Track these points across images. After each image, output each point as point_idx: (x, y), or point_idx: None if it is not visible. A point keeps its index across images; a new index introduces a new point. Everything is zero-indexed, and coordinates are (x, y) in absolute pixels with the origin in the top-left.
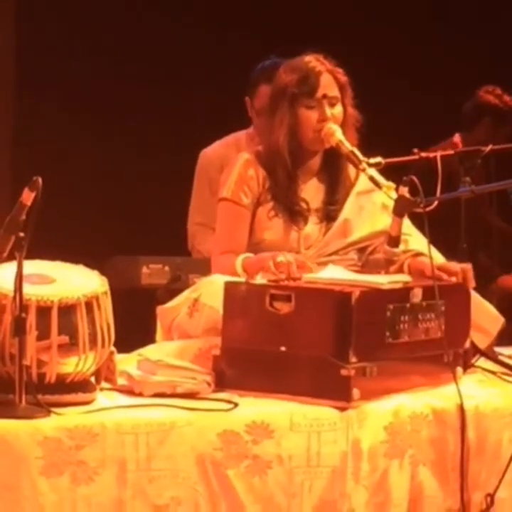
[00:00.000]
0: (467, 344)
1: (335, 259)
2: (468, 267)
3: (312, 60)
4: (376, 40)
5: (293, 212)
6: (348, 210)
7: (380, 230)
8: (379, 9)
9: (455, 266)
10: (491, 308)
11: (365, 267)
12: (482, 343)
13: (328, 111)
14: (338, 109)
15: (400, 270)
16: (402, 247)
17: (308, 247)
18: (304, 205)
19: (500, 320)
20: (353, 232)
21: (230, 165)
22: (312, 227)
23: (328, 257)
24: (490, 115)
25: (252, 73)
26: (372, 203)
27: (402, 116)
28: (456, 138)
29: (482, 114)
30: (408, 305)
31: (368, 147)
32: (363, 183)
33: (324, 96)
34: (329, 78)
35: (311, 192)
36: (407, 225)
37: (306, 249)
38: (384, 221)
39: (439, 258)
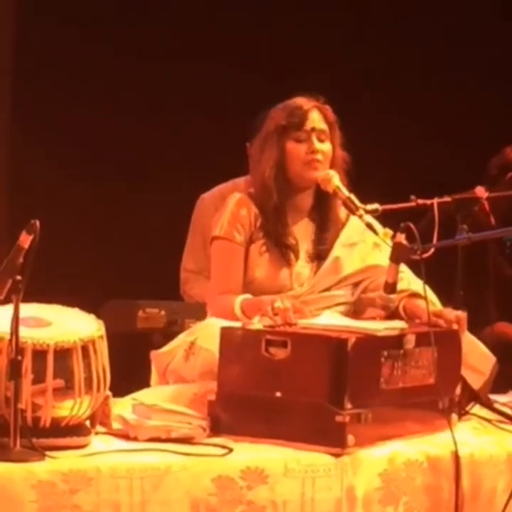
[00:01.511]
0: (457, 390)
1: (327, 295)
2: (463, 315)
3: (300, 98)
4: (387, 87)
5: (284, 248)
6: (338, 249)
7: (372, 264)
8: (389, 58)
9: (450, 313)
10: (482, 348)
11: (358, 306)
12: (475, 383)
13: (317, 144)
14: (327, 146)
15: (396, 310)
16: (399, 286)
17: (300, 284)
18: (293, 241)
19: (491, 359)
20: (344, 268)
21: (223, 205)
22: (303, 265)
23: (320, 294)
24: None
25: (255, 119)
26: (363, 242)
27: (418, 166)
28: (478, 190)
29: (505, 171)
30: (402, 351)
31: (384, 195)
32: (354, 223)
33: (313, 129)
34: (318, 114)
35: (302, 231)
36: (403, 269)
37: (298, 286)
38: (375, 257)
39: (435, 303)
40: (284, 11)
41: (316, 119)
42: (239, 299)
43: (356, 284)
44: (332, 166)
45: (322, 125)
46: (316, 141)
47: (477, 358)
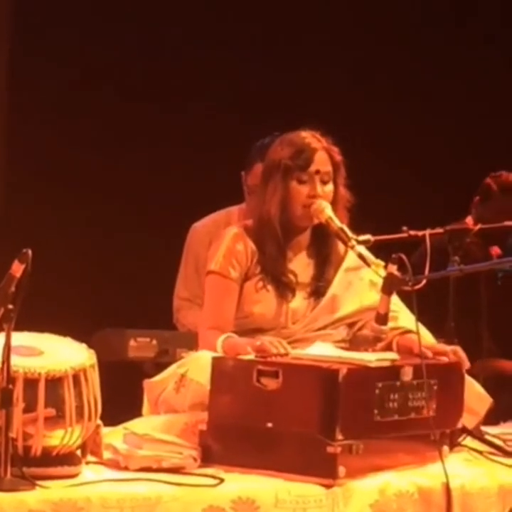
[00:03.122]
0: (459, 424)
1: (322, 334)
2: (457, 349)
3: (308, 136)
4: (379, 122)
5: (281, 284)
6: (336, 286)
7: (368, 306)
8: (380, 91)
9: (443, 347)
10: (479, 388)
11: (353, 343)
12: (470, 423)
13: (320, 187)
14: (330, 187)
15: (389, 347)
16: (391, 324)
17: (295, 321)
18: (292, 277)
19: (488, 400)
20: (341, 307)
21: (219, 238)
22: (300, 301)
23: (315, 332)
24: (488, 201)
25: (251, 148)
26: (360, 280)
27: (406, 198)
28: (469, 220)
29: (483, 199)
30: (398, 383)
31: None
32: (351, 259)
33: (317, 171)
34: (324, 155)
35: (300, 267)
36: (395, 302)
37: (292, 324)
38: (372, 297)
39: (427, 336)
40: (276, 44)
41: (321, 161)
42: (221, 338)
43: (351, 325)
44: (334, 205)
45: (327, 167)
46: (319, 183)
47: (473, 399)
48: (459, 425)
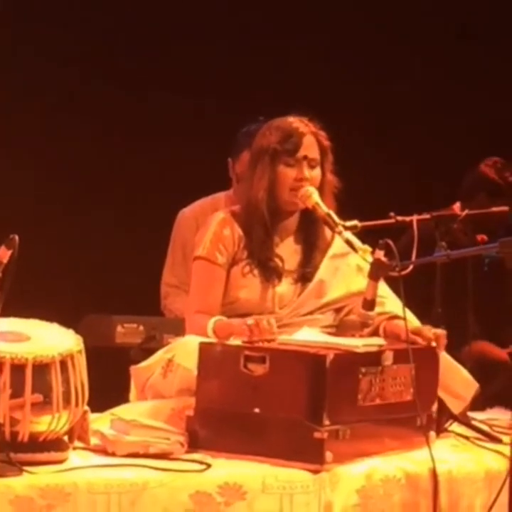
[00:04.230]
0: (434, 407)
1: (309, 319)
2: (442, 333)
3: (296, 121)
4: (365, 107)
5: (267, 269)
6: (323, 272)
7: (355, 291)
8: (369, 76)
9: (429, 331)
10: (465, 374)
11: (340, 328)
12: (456, 408)
13: (307, 171)
14: (317, 172)
15: (376, 332)
16: (378, 309)
17: (282, 306)
18: (278, 262)
19: (474, 385)
20: (328, 293)
21: (206, 224)
22: (287, 287)
23: (302, 317)
24: (487, 190)
25: (238, 135)
26: (347, 265)
27: (397, 182)
28: (456, 206)
29: (479, 187)
30: (380, 368)
31: (364, 212)
32: (338, 245)
33: (305, 157)
34: (312, 140)
35: (287, 252)
36: (382, 288)
37: (280, 309)
38: (359, 283)
39: (414, 322)
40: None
41: (309, 145)
42: (212, 320)
43: (338, 310)
44: (321, 191)
45: (314, 152)
46: (306, 167)
47: (460, 384)
48: (435, 408)
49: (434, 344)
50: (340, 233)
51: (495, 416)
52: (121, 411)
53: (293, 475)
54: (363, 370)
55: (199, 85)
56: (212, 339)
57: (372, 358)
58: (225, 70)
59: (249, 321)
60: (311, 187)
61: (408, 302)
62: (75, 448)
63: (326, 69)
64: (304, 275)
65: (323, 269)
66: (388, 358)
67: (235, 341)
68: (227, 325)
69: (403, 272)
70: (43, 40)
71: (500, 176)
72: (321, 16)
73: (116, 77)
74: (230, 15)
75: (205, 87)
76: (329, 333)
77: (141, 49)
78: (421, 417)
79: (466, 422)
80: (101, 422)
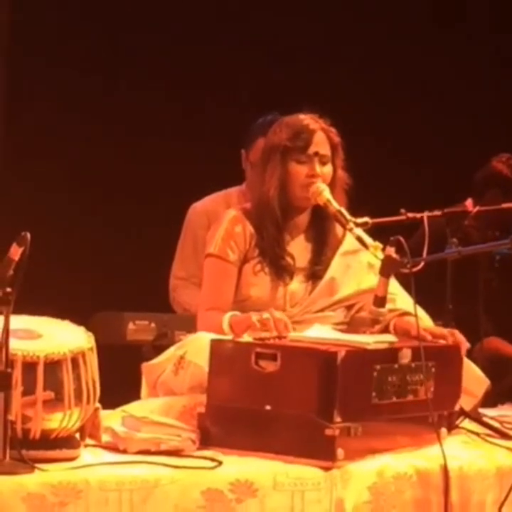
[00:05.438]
0: (457, 406)
1: (320, 316)
2: (455, 331)
3: (307, 118)
4: (377, 106)
5: (279, 267)
6: (334, 269)
7: (366, 288)
8: (381, 74)
9: (441, 330)
10: (477, 371)
11: (351, 325)
12: (467, 405)
13: (318, 168)
14: (328, 169)
15: (386, 329)
16: (389, 306)
17: (294, 304)
18: (290, 260)
19: (485, 382)
20: (339, 290)
21: (218, 221)
22: (298, 285)
23: (314, 315)
24: (499, 186)
25: (252, 126)
26: (358, 262)
27: (412, 180)
28: (468, 203)
29: (492, 183)
30: (396, 366)
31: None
32: (349, 242)
33: (316, 153)
34: (322, 137)
35: (298, 250)
36: (393, 285)
37: (291, 307)
38: (370, 280)
39: (425, 319)
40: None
41: (320, 142)
42: (227, 315)
43: (350, 307)
44: (332, 187)
45: (325, 149)
46: (318, 164)
47: (471, 381)
48: (457, 407)
49: (450, 341)
50: (351, 230)
51: (506, 413)
52: (132, 408)
53: (304, 472)
54: (378, 367)
55: (211, 80)
56: (228, 334)
57: (389, 356)
58: (237, 66)
59: (265, 315)
60: (322, 184)
61: (419, 299)
62: (86, 445)
63: (339, 65)
64: (315, 273)
65: (335, 267)
66: (406, 356)
67: (246, 338)
68: (245, 318)
69: (414, 269)
70: (43, 40)
71: None
72: (320, 16)
73: (123, 73)
74: (231, 15)
75: (217, 81)
76: (340, 331)
77: (154, 46)
78: (432, 414)
79: (477, 419)
80: (112, 419)
